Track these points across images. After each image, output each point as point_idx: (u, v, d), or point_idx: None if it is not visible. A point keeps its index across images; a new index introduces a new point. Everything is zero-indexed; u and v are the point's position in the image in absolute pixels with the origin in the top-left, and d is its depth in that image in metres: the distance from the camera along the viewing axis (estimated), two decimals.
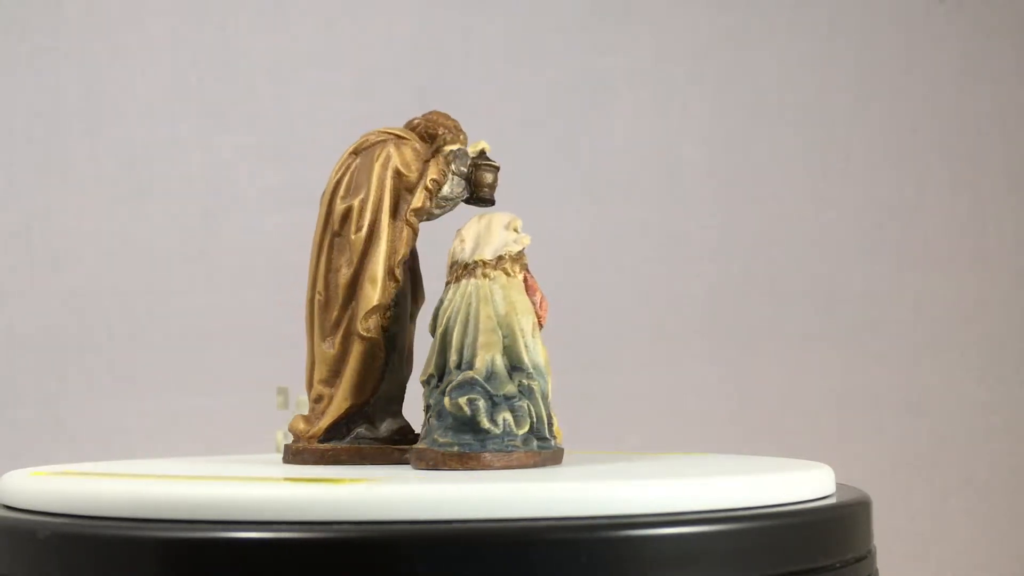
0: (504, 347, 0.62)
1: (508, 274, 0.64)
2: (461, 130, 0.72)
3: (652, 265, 1.23)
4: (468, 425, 0.61)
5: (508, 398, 0.61)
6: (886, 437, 1.23)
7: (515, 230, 0.66)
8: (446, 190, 0.69)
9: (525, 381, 0.62)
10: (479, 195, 0.70)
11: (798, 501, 0.55)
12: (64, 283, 1.17)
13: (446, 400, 0.61)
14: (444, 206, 0.70)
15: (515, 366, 0.62)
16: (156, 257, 1.18)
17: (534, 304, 0.64)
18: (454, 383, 0.61)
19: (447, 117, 0.72)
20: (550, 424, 0.62)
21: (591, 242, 1.22)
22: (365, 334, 0.66)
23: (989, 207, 1.26)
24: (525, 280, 0.65)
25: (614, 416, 1.20)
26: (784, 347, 1.23)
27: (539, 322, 0.64)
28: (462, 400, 0.61)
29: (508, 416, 0.61)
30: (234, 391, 1.16)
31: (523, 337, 0.63)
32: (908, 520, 1.22)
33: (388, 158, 0.69)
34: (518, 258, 0.65)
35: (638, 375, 1.21)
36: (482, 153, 0.70)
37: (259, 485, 0.53)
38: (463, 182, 0.70)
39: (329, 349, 0.67)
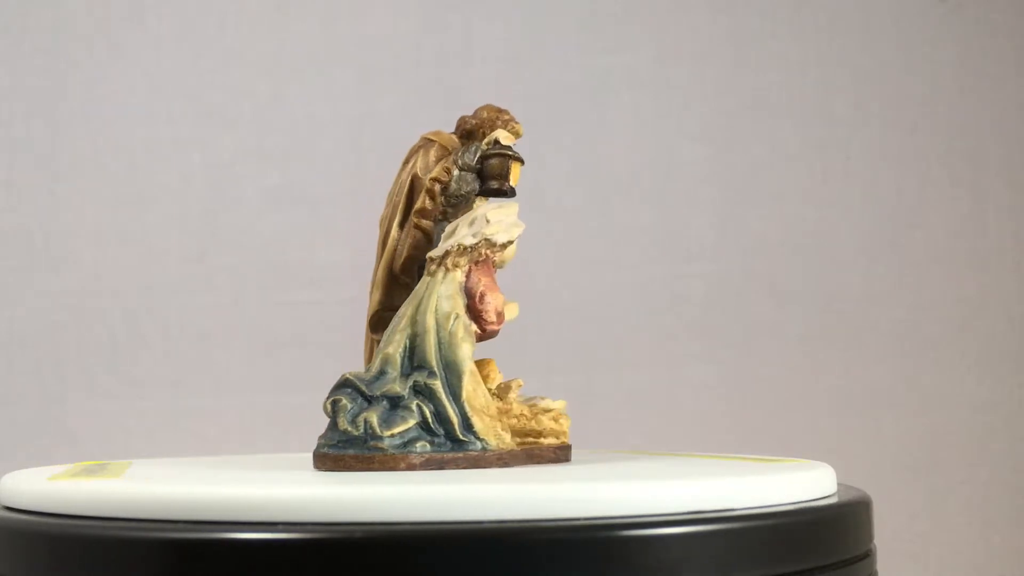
0: (413, 345, 0.61)
1: (448, 269, 0.63)
2: (509, 122, 0.70)
3: (652, 265, 1.22)
4: (334, 426, 0.60)
5: (390, 397, 0.60)
6: (886, 437, 1.23)
7: (486, 221, 0.64)
8: (453, 186, 0.68)
9: (424, 380, 0.60)
10: (487, 187, 0.68)
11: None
12: (64, 283, 1.17)
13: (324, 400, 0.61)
14: (456, 203, 0.69)
15: (419, 364, 0.61)
16: (156, 257, 1.18)
17: (472, 299, 0.62)
18: (335, 383, 0.61)
19: (490, 110, 0.70)
20: (466, 424, 0.61)
21: (591, 242, 1.22)
22: (373, 336, 0.68)
23: (989, 207, 1.25)
24: (469, 274, 0.63)
25: (614, 416, 1.20)
26: (784, 347, 1.23)
27: (480, 317, 0.62)
28: (327, 401, 0.61)
29: (372, 417, 0.60)
30: (234, 391, 1.16)
31: (437, 334, 0.61)
32: (908, 520, 1.22)
33: (414, 164, 0.69)
34: (465, 252, 0.63)
35: (638, 375, 1.21)
36: (495, 142, 0.68)
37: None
38: (470, 175, 0.69)
39: (366, 351, 0.70)
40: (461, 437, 0.60)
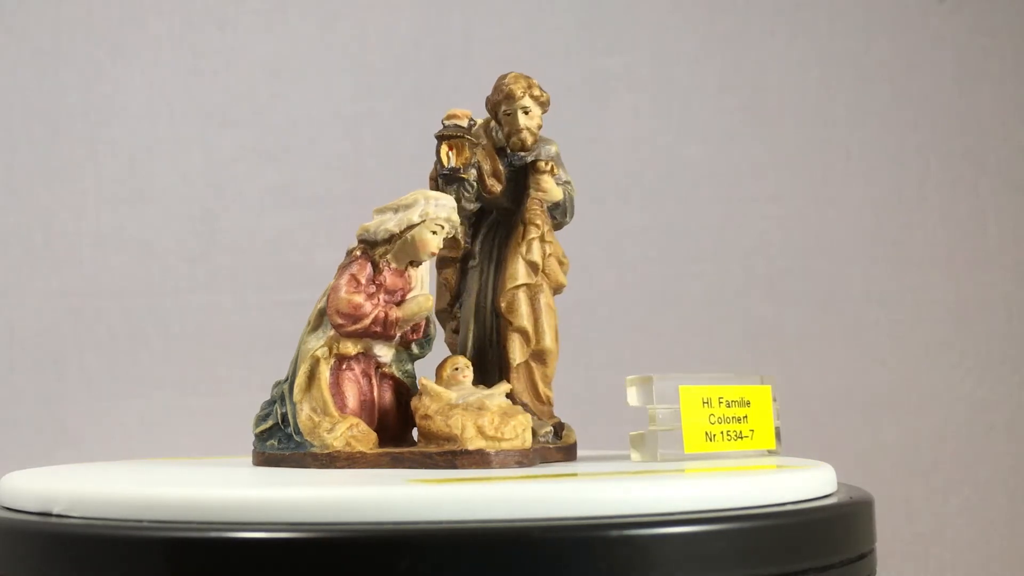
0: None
1: None
2: (507, 94, 0.68)
3: (652, 265, 1.22)
4: None
5: (270, 402, 0.65)
6: (886, 437, 1.23)
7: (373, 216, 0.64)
8: (440, 181, 0.67)
9: (283, 384, 0.65)
10: (439, 173, 0.65)
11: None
12: (64, 283, 1.17)
13: None
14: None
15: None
16: (156, 257, 1.18)
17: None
18: None
19: (497, 81, 0.69)
20: (295, 427, 0.63)
21: (591, 242, 1.22)
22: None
23: (989, 207, 1.25)
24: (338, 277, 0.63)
25: (614, 416, 1.20)
26: (784, 347, 1.22)
27: (330, 317, 0.62)
28: None
29: (256, 417, 0.65)
30: (234, 391, 1.16)
31: (301, 343, 0.64)
32: (908, 520, 1.22)
33: None
34: (348, 255, 0.64)
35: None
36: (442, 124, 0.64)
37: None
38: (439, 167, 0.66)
39: None
40: (296, 438, 0.63)
